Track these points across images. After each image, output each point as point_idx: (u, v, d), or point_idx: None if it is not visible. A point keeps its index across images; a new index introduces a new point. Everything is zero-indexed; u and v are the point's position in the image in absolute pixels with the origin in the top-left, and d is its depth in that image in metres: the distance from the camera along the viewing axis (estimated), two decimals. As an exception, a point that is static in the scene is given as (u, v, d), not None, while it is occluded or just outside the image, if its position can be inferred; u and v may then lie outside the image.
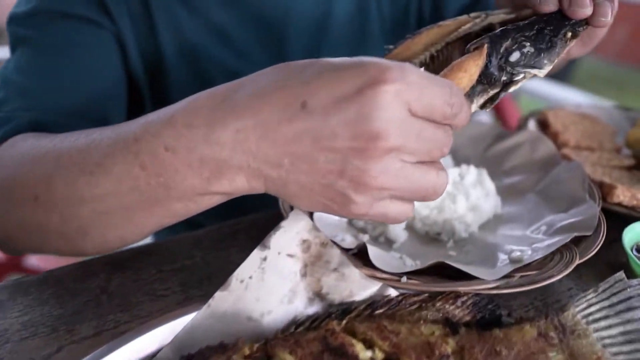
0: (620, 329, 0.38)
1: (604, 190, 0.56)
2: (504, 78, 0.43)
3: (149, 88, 0.68)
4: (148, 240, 0.62)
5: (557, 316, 0.40)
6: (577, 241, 0.48)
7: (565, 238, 0.46)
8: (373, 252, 0.46)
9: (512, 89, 0.44)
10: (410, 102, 0.32)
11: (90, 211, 0.41)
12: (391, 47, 0.45)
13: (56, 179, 0.42)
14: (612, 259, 0.52)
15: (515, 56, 0.43)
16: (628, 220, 0.53)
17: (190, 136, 0.35)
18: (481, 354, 0.37)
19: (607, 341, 0.38)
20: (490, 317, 0.41)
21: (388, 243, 0.53)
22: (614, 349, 0.38)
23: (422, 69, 0.43)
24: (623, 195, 0.55)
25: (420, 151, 0.34)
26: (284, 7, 0.69)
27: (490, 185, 0.58)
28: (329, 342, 0.37)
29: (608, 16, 0.43)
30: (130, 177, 0.38)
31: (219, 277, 0.51)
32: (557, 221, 0.52)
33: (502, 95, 0.44)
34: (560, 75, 5.13)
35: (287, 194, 0.37)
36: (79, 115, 0.58)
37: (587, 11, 0.42)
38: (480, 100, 0.44)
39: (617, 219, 0.55)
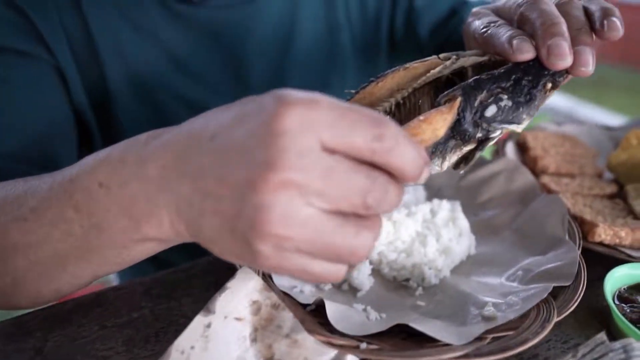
0: (601, 404, 0.35)
1: (584, 229, 0.53)
2: (479, 135, 0.39)
3: (97, 123, 0.63)
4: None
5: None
6: (555, 290, 0.44)
7: (543, 290, 0.42)
8: (332, 309, 0.42)
9: (487, 146, 0.40)
10: (321, 133, 0.26)
11: (24, 261, 0.39)
12: (352, 91, 0.41)
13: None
14: (594, 303, 0.49)
15: (491, 111, 0.38)
16: (610, 260, 0.50)
17: (122, 171, 0.33)
18: None
19: (587, 418, 0.35)
20: (459, 387, 0.37)
21: (352, 291, 0.48)
22: None
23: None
24: (604, 234, 0.52)
25: (331, 195, 0.27)
26: (242, 27, 0.64)
27: (464, 222, 0.53)
28: None
29: (589, 65, 0.39)
30: (64, 221, 0.36)
31: (168, 333, 0.47)
32: (535, 266, 0.48)
33: (478, 153, 0.39)
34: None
35: (204, 240, 0.31)
36: (22, 159, 0.54)
37: (568, 62, 0.38)
38: (454, 157, 0.39)
39: (599, 257, 0.52)
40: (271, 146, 0.26)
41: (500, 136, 0.40)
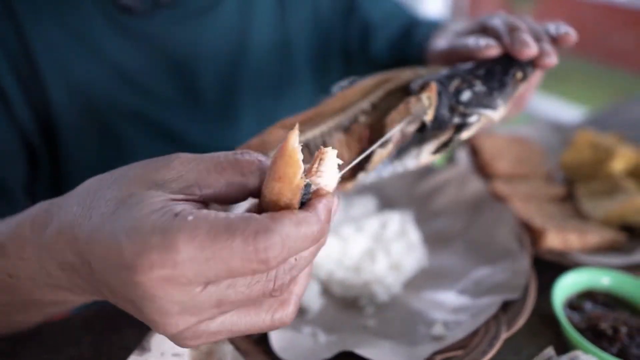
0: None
1: (534, 236, 0.52)
2: (456, 120, 0.39)
3: (43, 143, 0.59)
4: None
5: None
6: (507, 304, 0.43)
7: (493, 306, 0.42)
8: (278, 337, 0.40)
9: (465, 134, 0.40)
10: (191, 281, 0.24)
11: None
12: (324, 96, 0.41)
13: None
14: (546, 310, 0.48)
15: (466, 95, 0.40)
16: (562, 266, 0.50)
17: (25, 267, 0.33)
18: None
19: None
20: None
21: (300, 314, 0.47)
22: None
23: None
24: (554, 240, 0.51)
25: (238, 303, 0.26)
26: (192, 41, 0.62)
27: (414, 235, 0.53)
28: None
29: (552, 55, 0.42)
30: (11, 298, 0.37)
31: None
32: (485, 278, 0.47)
33: (456, 139, 0.40)
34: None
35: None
36: None
37: (532, 50, 0.41)
38: (431, 146, 0.40)
39: (551, 263, 0.52)
40: (147, 308, 0.24)
41: (479, 125, 0.41)
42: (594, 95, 4.79)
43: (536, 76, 0.48)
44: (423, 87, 0.39)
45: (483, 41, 0.43)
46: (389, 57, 0.74)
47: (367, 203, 0.58)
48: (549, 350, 0.38)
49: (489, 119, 0.41)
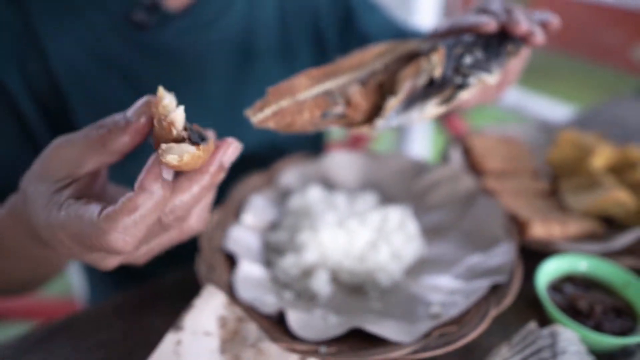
0: (531, 385, 0.39)
1: (520, 226, 0.58)
2: (458, 80, 0.45)
3: (50, 128, 0.64)
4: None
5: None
6: (496, 287, 0.49)
7: (483, 287, 0.47)
8: (293, 317, 0.45)
9: (465, 94, 0.46)
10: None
11: None
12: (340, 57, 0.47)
13: None
14: (531, 293, 0.53)
15: (468, 59, 0.46)
16: (545, 253, 0.55)
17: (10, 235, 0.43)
18: None
19: (520, 399, 0.39)
20: (410, 381, 0.41)
21: (312, 299, 0.52)
22: (526, 409, 0.39)
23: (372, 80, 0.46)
24: (538, 230, 0.57)
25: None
26: (200, 49, 0.66)
27: (412, 227, 0.58)
28: None
29: (540, 35, 0.48)
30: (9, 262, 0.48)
31: (138, 352, 0.49)
32: (477, 264, 0.52)
33: (457, 96, 0.45)
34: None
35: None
36: None
37: (524, 27, 0.48)
38: (435, 101, 0.46)
39: (536, 251, 0.57)
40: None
41: (476, 87, 0.46)
42: (581, 92, 4.86)
43: (525, 52, 0.54)
44: (432, 50, 0.45)
45: (484, 18, 0.49)
46: None
47: (369, 199, 0.63)
48: (531, 325, 0.43)
49: (484, 82, 0.47)
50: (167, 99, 0.31)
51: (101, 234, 0.31)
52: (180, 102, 0.67)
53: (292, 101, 0.43)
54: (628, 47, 4.49)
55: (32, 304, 2.06)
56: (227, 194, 0.64)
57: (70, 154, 0.34)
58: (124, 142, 0.33)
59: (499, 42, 0.49)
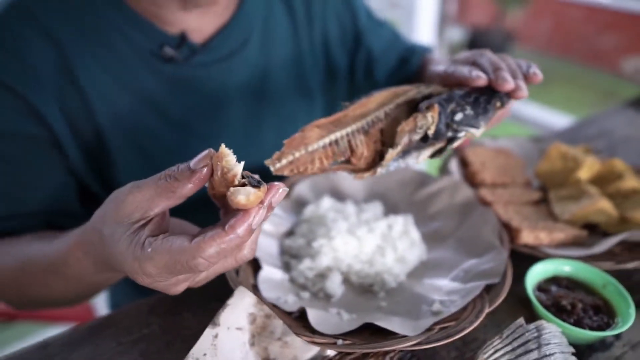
0: (518, 371, 0.46)
1: (511, 234, 0.65)
2: (449, 134, 0.52)
3: (94, 176, 0.71)
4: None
5: (469, 365, 0.47)
6: (489, 286, 0.56)
7: (477, 288, 0.54)
8: (312, 315, 0.52)
9: (455, 145, 0.53)
10: (160, 280, 0.42)
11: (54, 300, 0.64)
12: (347, 103, 0.53)
13: (24, 287, 0.61)
14: (521, 293, 0.60)
15: (459, 116, 0.53)
16: (534, 258, 0.62)
17: (77, 265, 0.52)
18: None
19: (509, 383, 0.46)
20: (414, 368, 0.48)
21: (327, 298, 0.59)
22: (514, 392, 0.45)
23: (376, 125, 0.53)
24: (527, 237, 0.64)
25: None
26: (222, 80, 0.72)
27: (415, 234, 0.65)
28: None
29: (524, 90, 0.55)
30: (71, 284, 0.57)
31: (175, 344, 0.56)
32: (473, 267, 0.59)
33: (448, 148, 0.53)
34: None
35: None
36: (40, 216, 0.66)
37: (510, 85, 0.54)
38: (428, 152, 0.53)
39: (526, 256, 0.64)
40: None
41: (464, 139, 0.53)
42: (578, 94, 4.94)
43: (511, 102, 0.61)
44: (428, 107, 0.51)
45: (475, 72, 0.55)
46: (387, 82, 0.87)
47: (376, 209, 0.70)
48: (520, 320, 0.50)
49: (472, 135, 0.53)
50: (229, 156, 0.38)
51: (190, 258, 0.38)
52: (204, 127, 0.73)
53: (305, 152, 0.48)
54: (623, 52, 4.57)
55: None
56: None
57: (141, 199, 0.41)
58: (188, 188, 0.40)
59: (487, 98, 0.55)
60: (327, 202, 0.69)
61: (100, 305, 1.55)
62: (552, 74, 5.34)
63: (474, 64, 0.59)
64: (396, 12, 2.82)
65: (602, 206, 0.69)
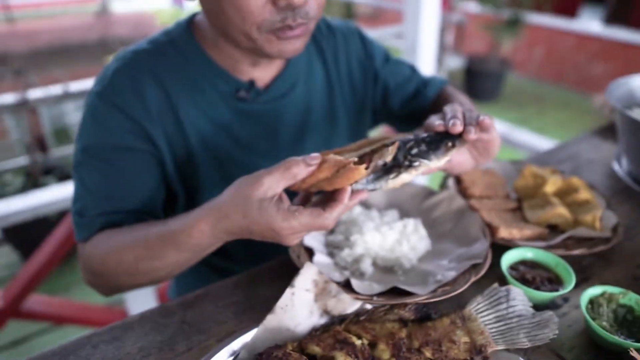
0: (493, 315, 0.70)
1: (492, 230, 0.90)
2: (406, 163, 0.72)
3: (183, 188, 0.96)
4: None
5: (461, 312, 0.71)
6: (475, 265, 0.80)
7: (467, 265, 0.79)
8: (354, 282, 0.77)
9: (413, 173, 0.72)
10: (298, 233, 0.71)
11: (159, 273, 0.82)
12: (352, 144, 0.76)
13: (139, 262, 0.80)
14: (498, 272, 0.84)
15: (414, 150, 0.73)
16: (508, 248, 0.87)
17: (202, 236, 0.74)
18: (421, 336, 0.68)
19: (487, 322, 0.70)
20: (425, 315, 0.72)
21: (361, 276, 0.83)
22: (490, 327, 0.70)
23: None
24: (504, 233, 0.89)
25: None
26: (277, 112, 0.99)
27: (422, 231, 0.90)
28: (337, 338, 0.67)
29: (472, 133, 0.73)
30: (183, 254, 0.79)
31: (255, 308, 0.80)
32: (464, 253, 0.84)
33: (402, 173, 0.71)
34: (491, 92, 5.66)
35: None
36: (135, 214, 0.90)
37: (459, 128, 0.72)
38: (391, 175, 0.72)
39: (503, 247, 0.89)
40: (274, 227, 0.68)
41: (422, 168, 0.72)
42: (570, 118, 5.21)
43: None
44: (392, 143, 0.72)
45: (436, 121, 0.75)
46: (402, 109, 1.13)
47: (394, 214, 0.95)
48: (495, 284, 0.74)
49: (426, 166, 0.72)
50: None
51: (323, 220, 0.67)
52: (263, 147, 0.99)
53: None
54: (612, 78, 4.85)
55: (82, 311, 2.36)
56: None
57: (272, 180, 0.66)
58: (303, 174, 0.67)
59: (441, 139, 0.72)
60: (357, 209, 0.94)
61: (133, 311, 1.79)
62: (546, 99, 5.65)
63: (442, 113, 0.77)
64: (401, 43, 3.11)
65: (560, 212, 0.94)
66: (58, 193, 2.06)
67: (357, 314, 0.71)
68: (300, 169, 0.66)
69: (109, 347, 0.73)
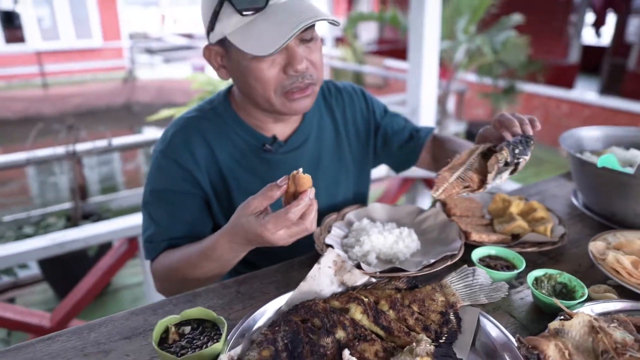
0: (462, 284, 0.99)
1: (467, 235, 1.19)
2: (515, 160, 0.99)
3: (222, 214, 1.27)
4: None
5: (439, 282, 1.00)
6: (452, 256, 1.09)
7: (445, 255, 1.08)
8: (363, 266, 1.06)
9: (520, 167, 1.00)
10: (276, 233, 0.94)
11: (202, 278, 1.11)
12: (448, 160, 1.03)
13: (187, 271, 1.10)
14: (468, 261, 1.13)
15: (517, 150, 0.99)
16: (477, 247, 1.15)
17: (222, 249, 1.04)
18: (410, 297, 0.96)
19: (458, 289, 0.98)
20: (413, 285, 1.00)
21: (368, 265, 1.12)
22: (460, 291, 0.98)
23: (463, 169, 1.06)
24: (475, 237, 1.18)
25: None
26: (294, 161, 1.27)
27: (414, 236, 1.19)
28: (351, 297, 0.95)
29: (539, 126, 1.04)
30: (214, 264, 1.08)
31: (290, 285, 1.09)
32: (444, 249, 1.13)
33: (515, 171, 0.99)
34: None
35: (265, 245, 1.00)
36: (188, 239, 1.20)
37: (538, 127, 1.02)
38: (506, 175, 0.99)
39: (473, 246, 1.17)
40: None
41: (523, 163, 0.99)
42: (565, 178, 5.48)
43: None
44: (501, 149, 0.98)
45: (513, 127, 0.99)
46: (399, 151, 1.44)
47: (393, 225, 1.25)
48: (464, 265, 1.03)
49: (525, 161, 0.99)
50: (301, 171, 0.96)
51: (290, 215, 0.90)
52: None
53: (447, 183, 0.96)
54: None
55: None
56: (321, 222, 1.26)
57: (256, 202, 0.92)
58: (278, 194, 0.93)
59: (526, 140, 0.95)
60: (365, 221, 1.25)
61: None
62: (544, 160, 5.99)
63: (500, 121, 1.02)
64: (405, 109, 3.52)
65: (520, 224, 1.23)
66: (90, 230, 2.50)
67: (365, 284, 1.00)
68: (274, 191, 0.92)
69: (185, 305, 1.01)
